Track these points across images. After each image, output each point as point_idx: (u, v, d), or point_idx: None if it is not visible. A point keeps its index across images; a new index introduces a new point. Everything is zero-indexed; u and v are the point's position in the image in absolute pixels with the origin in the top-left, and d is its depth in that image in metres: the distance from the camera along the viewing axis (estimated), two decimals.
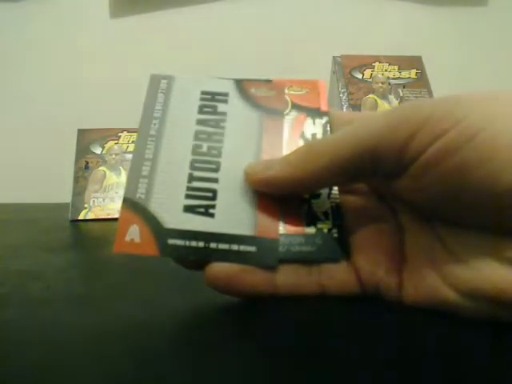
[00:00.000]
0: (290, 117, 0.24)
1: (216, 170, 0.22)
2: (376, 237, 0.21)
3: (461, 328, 0.18)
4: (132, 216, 0.20)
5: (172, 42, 0.72)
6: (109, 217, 0.50)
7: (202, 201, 0.21)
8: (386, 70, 0.59)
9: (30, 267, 0.29)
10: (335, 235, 0.21)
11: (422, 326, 0.18)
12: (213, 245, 0.20)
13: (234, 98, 0.24)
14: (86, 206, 0.50)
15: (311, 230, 0.21)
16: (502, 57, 0.67)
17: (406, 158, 0.17)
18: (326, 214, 0.22)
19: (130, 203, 0.20)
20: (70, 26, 0.70)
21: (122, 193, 0.51)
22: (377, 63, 0.60)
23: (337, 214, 0.22)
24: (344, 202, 0.22)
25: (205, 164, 0.22)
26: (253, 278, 0.19)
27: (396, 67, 0.59)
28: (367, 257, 0.20)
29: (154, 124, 0.23)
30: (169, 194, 0.21)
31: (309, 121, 0.24)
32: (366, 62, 0.60)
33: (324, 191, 0.22)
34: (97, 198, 0.51)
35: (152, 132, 0.23)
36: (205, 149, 0.22)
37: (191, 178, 0.21)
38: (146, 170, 0.22)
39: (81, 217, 0.50)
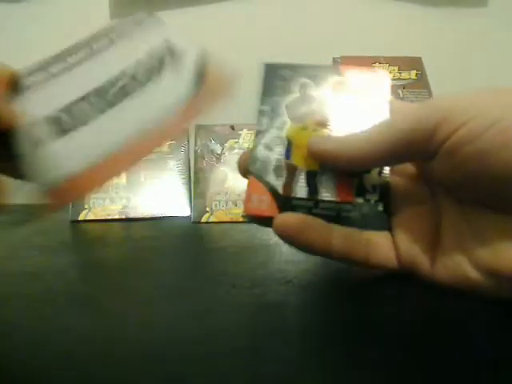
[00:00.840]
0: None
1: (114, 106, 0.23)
2: (416, 217, 0.24)
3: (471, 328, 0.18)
4: None
5: None
6: (109, 217, 0.50)
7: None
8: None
9: (30, 268, 0.29)
10: (380, 208, 0.24)
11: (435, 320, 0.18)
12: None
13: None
14: (86, 206, 0.50)
15: (360, 200, 0.23)
16: (502, 57, 0.67)
17: (434, 145, 0.20)
18: (374, 188, 0.24)
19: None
20: (71, 27, 0.70)
21: (122, 194, 0.51)
22: (377, 64, 0.60)
23: (385, 190, 0.24)
24: (391, 183, 0.24)
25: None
26: (314, 234, 0.22)
27: (396, 68, 0.59)
28: (406, 235, 0.23)
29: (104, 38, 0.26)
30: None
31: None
32: (365, 63, 0.60)
33: (375, 168, 0.24)
34: (97, 199, 0.51)
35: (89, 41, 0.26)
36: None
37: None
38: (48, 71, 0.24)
39: (81, 217, 0.50)
